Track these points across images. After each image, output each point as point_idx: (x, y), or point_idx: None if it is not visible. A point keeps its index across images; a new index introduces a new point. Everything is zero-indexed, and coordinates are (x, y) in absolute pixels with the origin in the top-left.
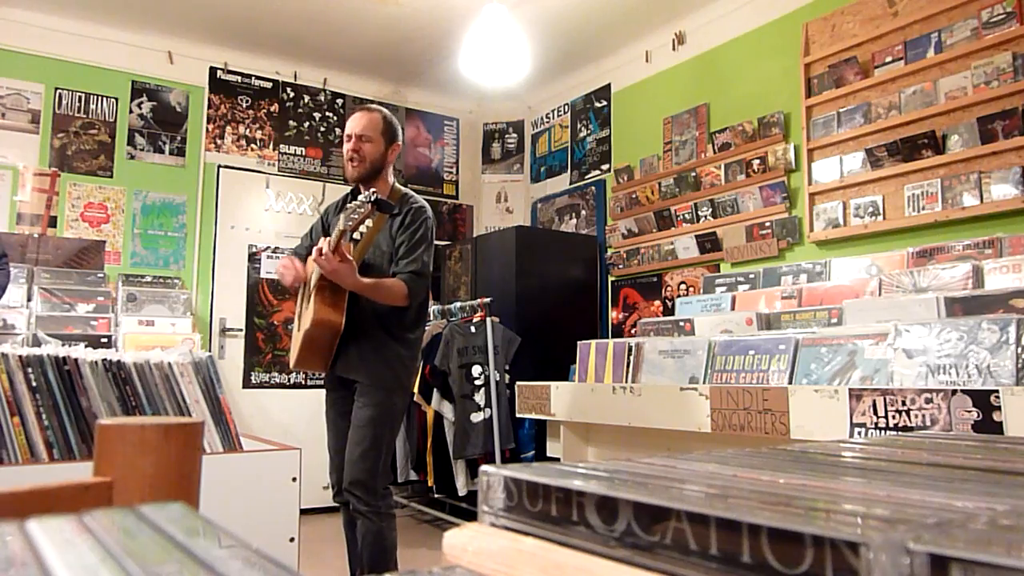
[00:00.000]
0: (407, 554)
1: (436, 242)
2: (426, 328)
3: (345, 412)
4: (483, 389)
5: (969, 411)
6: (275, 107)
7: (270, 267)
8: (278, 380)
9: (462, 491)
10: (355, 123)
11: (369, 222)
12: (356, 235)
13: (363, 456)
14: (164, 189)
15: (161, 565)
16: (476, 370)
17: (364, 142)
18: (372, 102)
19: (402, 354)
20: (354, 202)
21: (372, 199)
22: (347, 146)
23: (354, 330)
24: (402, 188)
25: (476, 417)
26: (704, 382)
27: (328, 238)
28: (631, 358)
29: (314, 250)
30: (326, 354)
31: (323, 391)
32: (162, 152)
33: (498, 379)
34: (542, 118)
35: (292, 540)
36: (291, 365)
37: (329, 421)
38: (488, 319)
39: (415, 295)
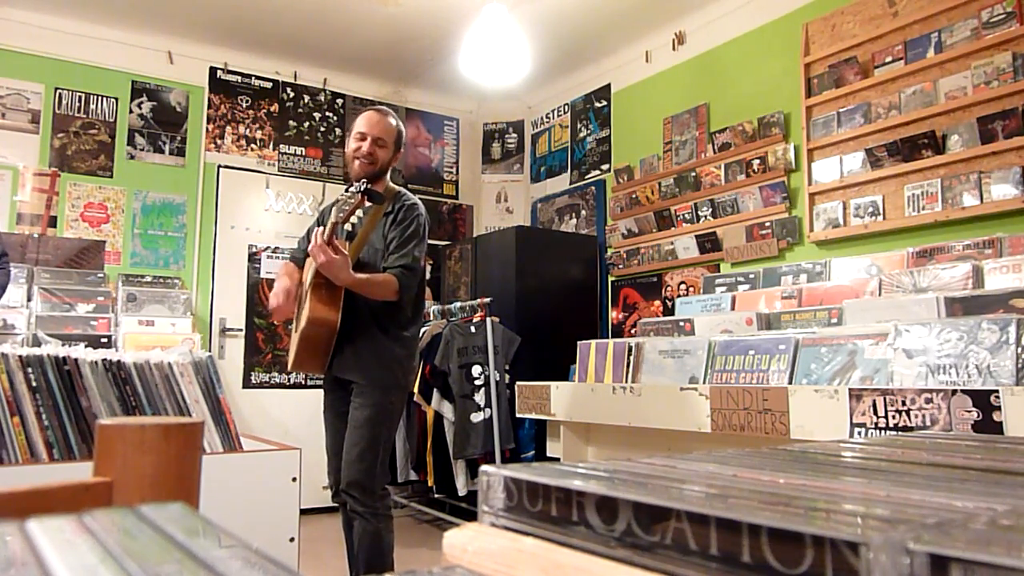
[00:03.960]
0: (407, 554)
1: (436, 242)
2: (426, 328)
3: (343, 413)
4: (483, 389)
5: (969, 411)
6: (275, 107)
7: (270, 267)
8: (278, 380)
9: (462, 491)
10: (371, 125)
11: (360, 213)
12: (348, 226)
13: (360, 457)
14: (164, 189)
15: (161, 565)
16: (476, 370)
17: (380, 147)
18: (372, 102)
19: (399, 353)
20: (346, 194)
21: (362, 189)
22: (359, 144)
23: (350, 330)
24: (396, 187)
25: (476, 417)
26: (704, 382)
27: (321, 228)
28: (631, 358)
29: (310, 246)
30: (323, 354)
31: (323, 391)
32: (162, 152)
33: (498, 379)
34: (542, 118)
35: (292, 540)
36: (289, 367)
37: (327, 422)
38: (488, 319)
39: (406, 289)
